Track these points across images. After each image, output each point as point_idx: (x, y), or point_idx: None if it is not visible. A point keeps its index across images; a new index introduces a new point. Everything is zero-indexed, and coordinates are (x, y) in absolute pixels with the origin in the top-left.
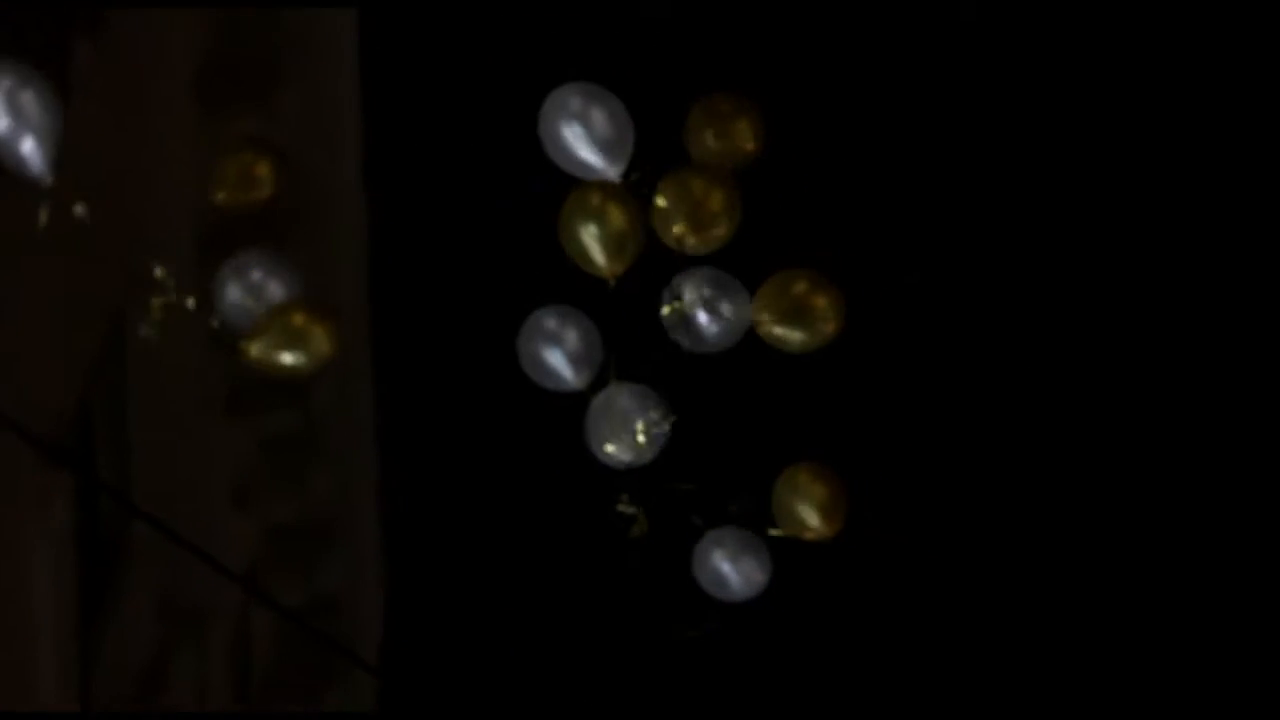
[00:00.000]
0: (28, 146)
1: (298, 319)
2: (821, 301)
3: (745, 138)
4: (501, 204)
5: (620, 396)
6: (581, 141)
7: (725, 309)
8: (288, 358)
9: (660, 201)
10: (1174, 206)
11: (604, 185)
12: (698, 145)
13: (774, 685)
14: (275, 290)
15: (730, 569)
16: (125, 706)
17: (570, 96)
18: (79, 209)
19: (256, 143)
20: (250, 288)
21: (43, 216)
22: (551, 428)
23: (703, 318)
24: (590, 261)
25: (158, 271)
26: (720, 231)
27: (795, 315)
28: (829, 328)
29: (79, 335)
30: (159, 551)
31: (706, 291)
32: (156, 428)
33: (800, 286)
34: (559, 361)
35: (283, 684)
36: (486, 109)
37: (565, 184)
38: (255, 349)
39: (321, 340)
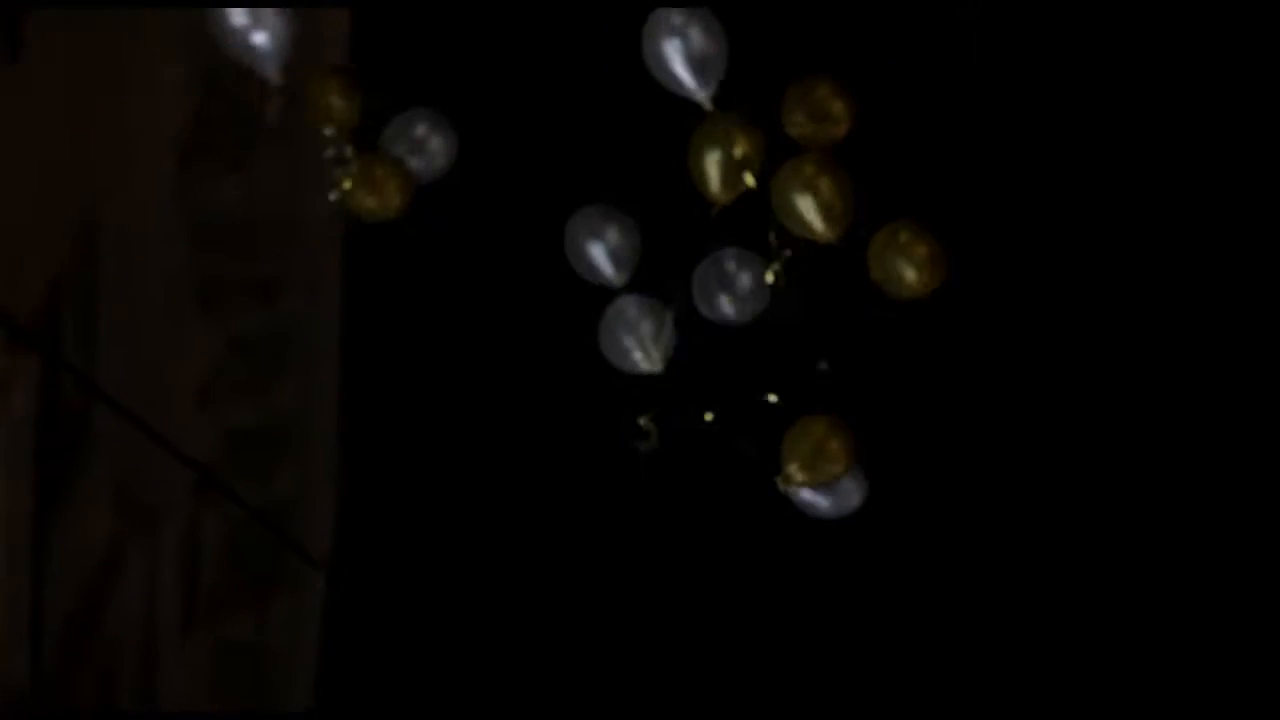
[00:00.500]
0: (260, 39)
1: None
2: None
3: (840, 119)
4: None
5: (630, 305)
6: (678, 58)
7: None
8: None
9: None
10: (1174, 206)
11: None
12: (791, 126)
13: (781, 667)
14: (437, 145)
15: None
16: (75, 595)
17: (671, 14)
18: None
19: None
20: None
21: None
22: (516, 347)
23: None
24: (705, 185)
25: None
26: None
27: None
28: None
29: (52, 224)
30: (119, 444)
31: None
32: (126, 321)
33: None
34: (600, 256)
35: (231, 585)
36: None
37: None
38: None
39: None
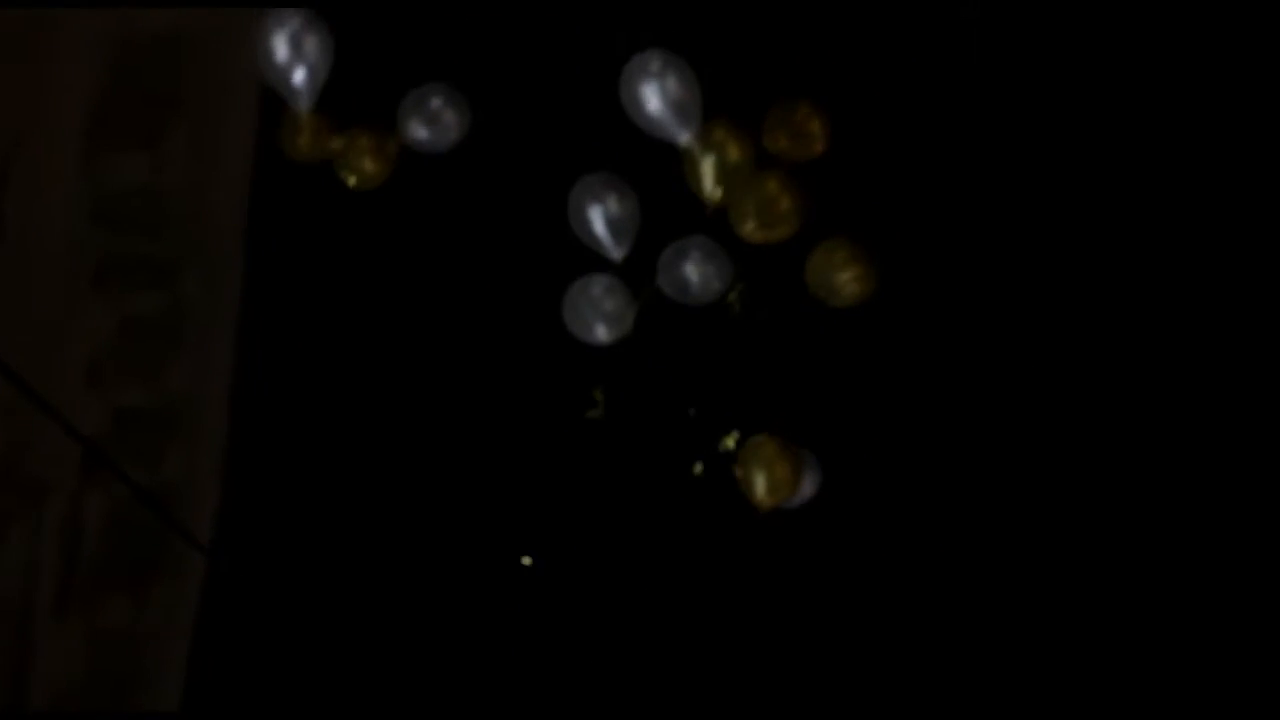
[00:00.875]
0: (299, 78)
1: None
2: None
3: (816, 140)
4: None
5: (593, 283)
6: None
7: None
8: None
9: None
10: (1174, 208)
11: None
12: (772, 144)
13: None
14: (451, 119)
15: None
16: None
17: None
18: None
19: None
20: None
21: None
22: (413, 329)
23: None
24: (699, 187)
25: None
26: (785, 230)
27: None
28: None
29: None
30: (6, 416)
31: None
32: (21, 292)
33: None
34: (600, 228)
35: (111, 567)
36: None
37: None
38: None
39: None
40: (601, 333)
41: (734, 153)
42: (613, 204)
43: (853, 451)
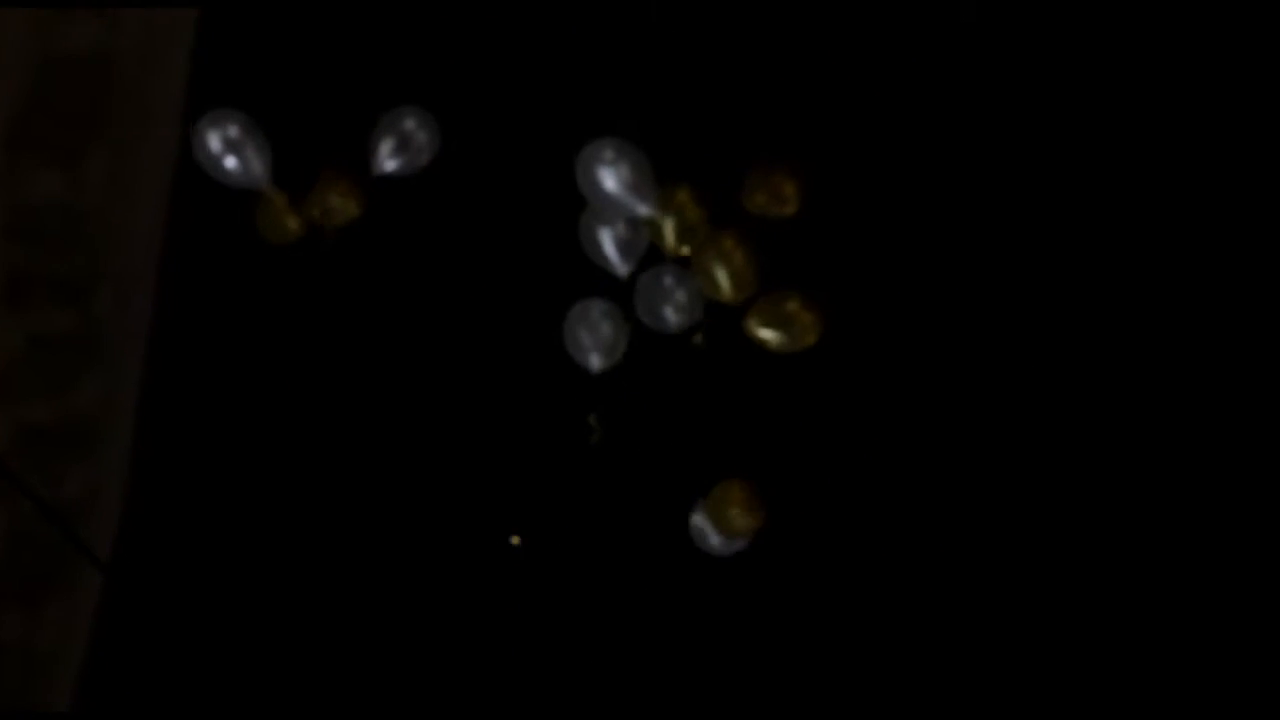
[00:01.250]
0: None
1: None
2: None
3: (791, 200)
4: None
5: (593, 308)
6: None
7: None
8: None
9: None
10: (1175, 217)
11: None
12: (751, 203)
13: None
14: (422, 140)
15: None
16: None
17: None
18: None
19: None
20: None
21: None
22: (317, 368)
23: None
24: (660, 238)
25: None
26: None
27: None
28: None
29: None
30: None
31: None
32: None
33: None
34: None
35: (7, 582)
36: None
37: None
38: None
39: None
40: (595, 360)
41: (692, 215)
42: (622, 225)
43: (815, 489)
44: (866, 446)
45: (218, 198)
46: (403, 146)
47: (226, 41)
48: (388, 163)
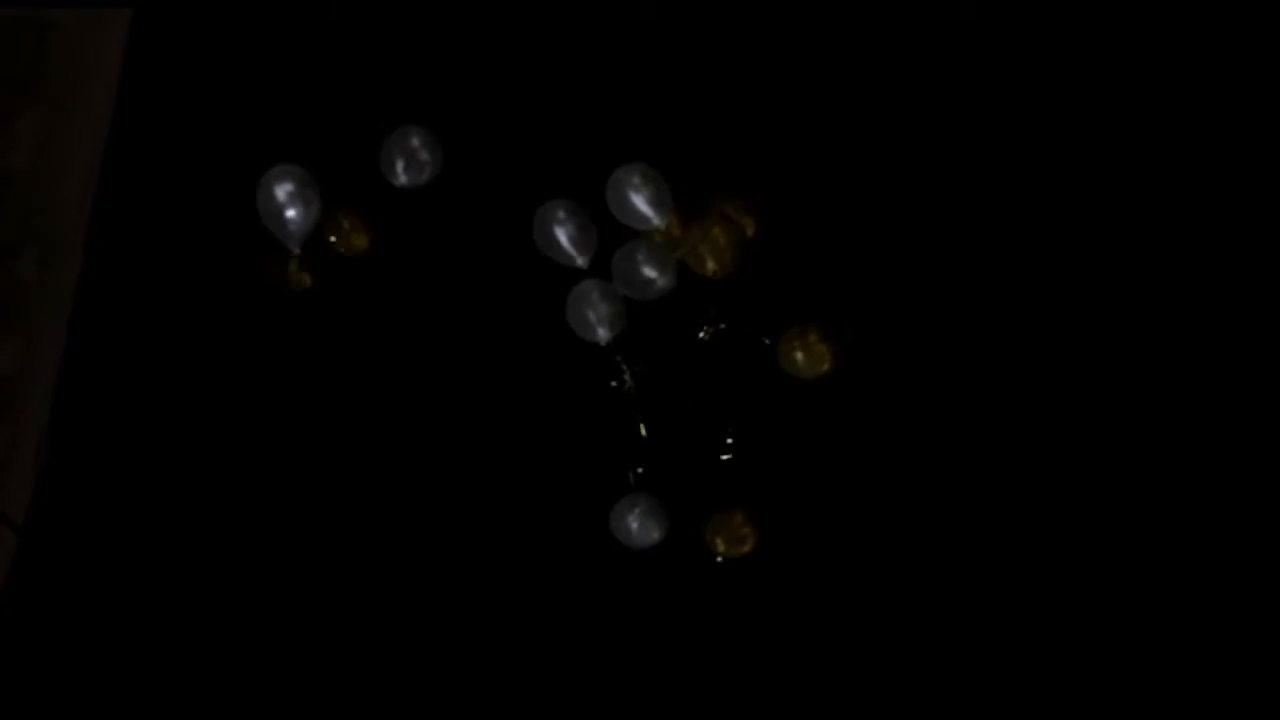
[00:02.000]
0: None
1: None
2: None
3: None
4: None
5: (593, 289)
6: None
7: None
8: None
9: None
10: (1175, 218)
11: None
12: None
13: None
14: (426, 157)
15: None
16: None
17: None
18: None
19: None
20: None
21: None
22: (250, 319)
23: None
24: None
25: None
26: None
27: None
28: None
29: None
30: None
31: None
32: None
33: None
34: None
35: None
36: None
37: None
38: None
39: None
40: (602, 333)
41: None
42: (573, 226)
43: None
44: (872, 462)
45: (149, 167)
46: (411, 164)
47: (167, 11)
48: (400, 178)
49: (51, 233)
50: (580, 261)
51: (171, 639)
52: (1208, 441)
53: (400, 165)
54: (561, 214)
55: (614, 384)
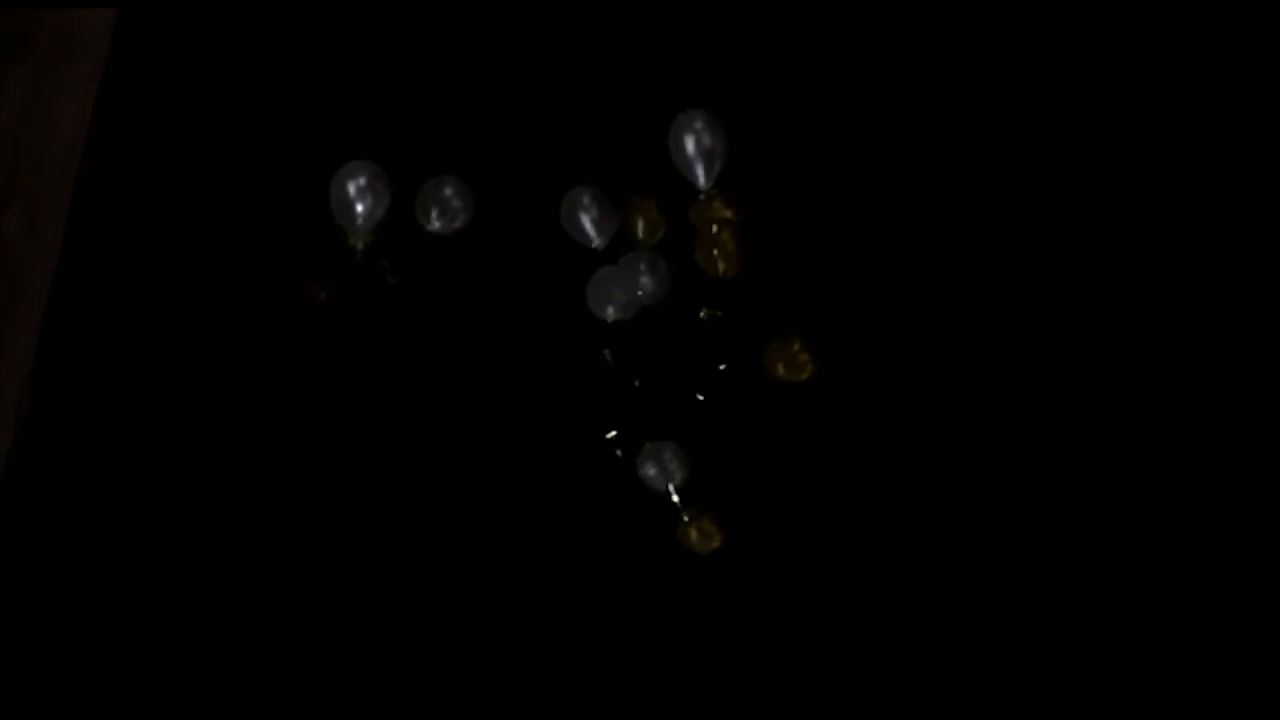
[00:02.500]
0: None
1: None
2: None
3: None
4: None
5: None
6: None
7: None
8: None
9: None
10: (1175, 220)
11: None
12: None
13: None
14: (458, 205)
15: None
16: None
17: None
18: None
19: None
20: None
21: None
22: (239, 285)
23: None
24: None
25: None
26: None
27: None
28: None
29: None
30: None
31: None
32: None
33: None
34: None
35: None
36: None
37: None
38: None
39: None
40: (611, 312)
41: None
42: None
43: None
44: (856, 462)
45: (138, 127)
46: (444, 212)
47: None
48: (434, 224)
49: (39, 192)
50: (597, 242)
51: (152, 594)
52: (1197, 448)
53: (434, 212)
54: (586, 199)
55: (605, 354)
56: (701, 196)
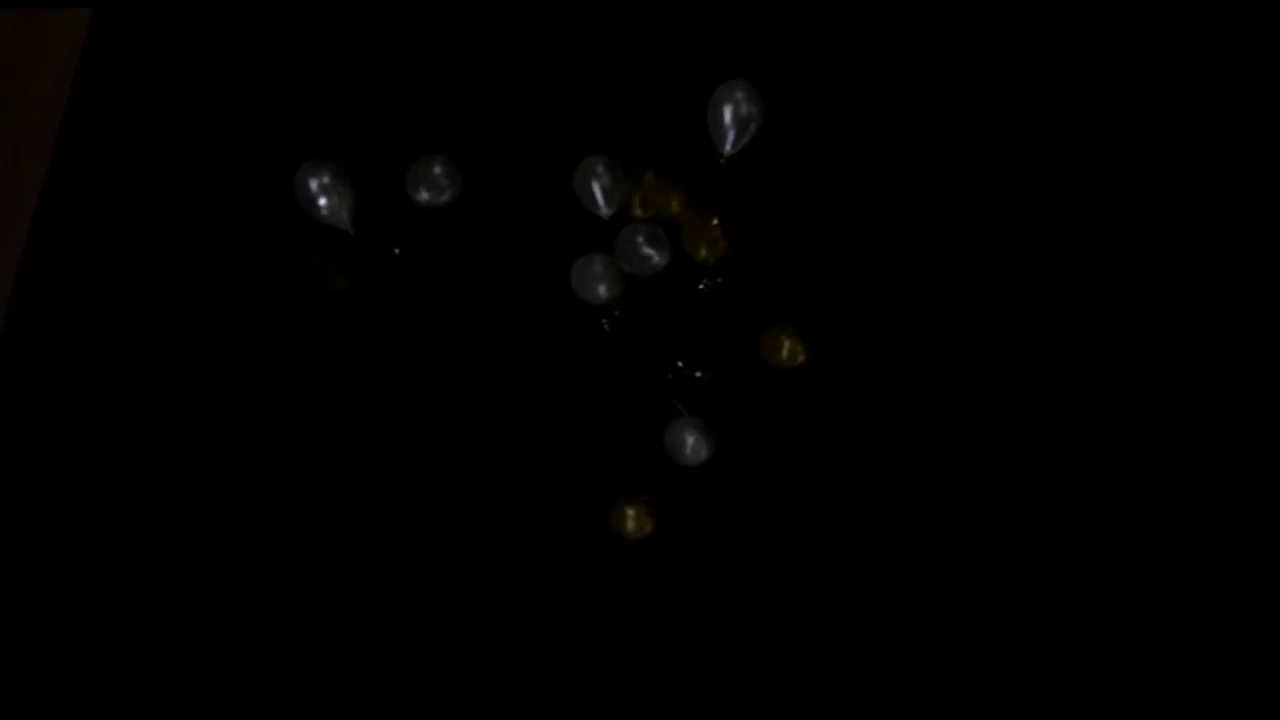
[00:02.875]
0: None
1: None
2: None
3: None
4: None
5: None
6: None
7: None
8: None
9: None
10: (1176, 222)
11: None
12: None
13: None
14: (446, 182)
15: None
16: None
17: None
18: None
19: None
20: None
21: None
22: (221, 237)
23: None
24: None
25: None
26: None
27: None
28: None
29: None
30: None
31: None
32: None
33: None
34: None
35: None
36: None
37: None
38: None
39: None
40: (602, 291)
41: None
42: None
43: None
44: (849, 453)
45: (125, 73)
46: (432, 187)
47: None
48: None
49: (24, 133)
50: (605, 211)
51: (130, 575)
52: (1188, 447)
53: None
54: (600, 168)
55: (604, 323)
56: (722, 161)
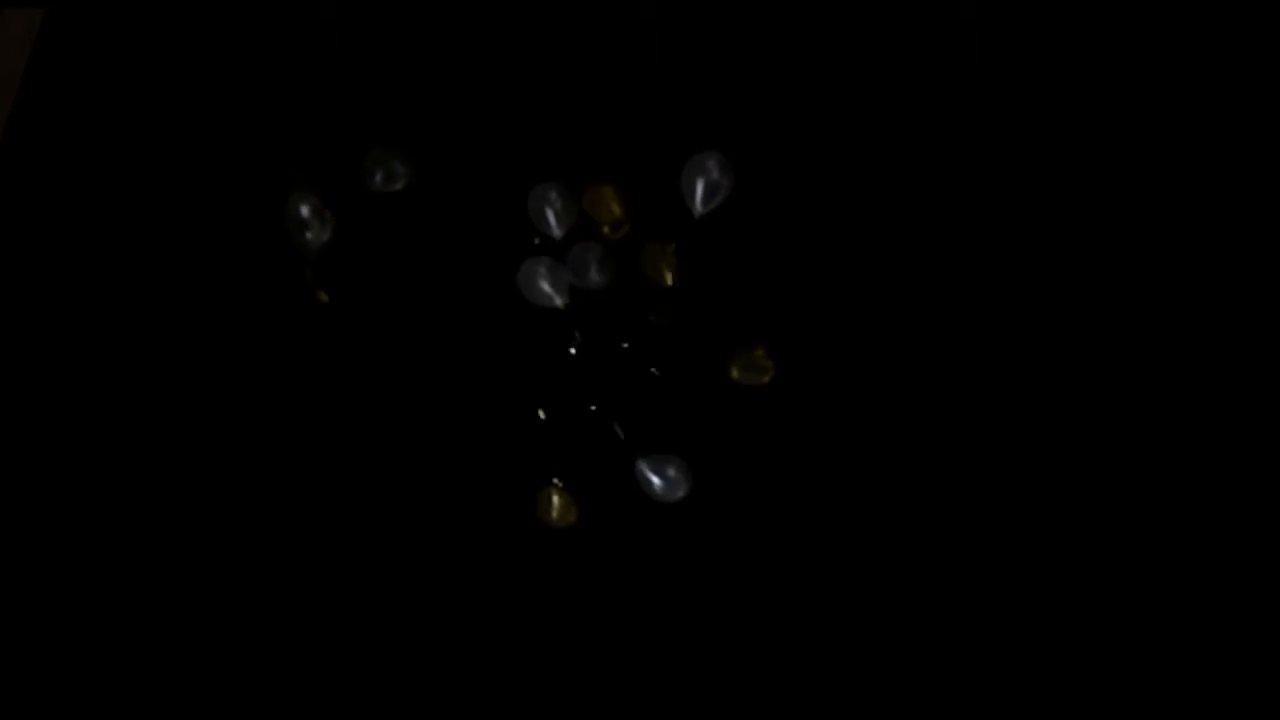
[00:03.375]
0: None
1: None
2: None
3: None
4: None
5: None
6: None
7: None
8: None
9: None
10: (1176, 223)
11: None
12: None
13: None
14: (400, 170)
15: None
16: None
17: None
18: None
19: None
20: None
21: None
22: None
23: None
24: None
25: None
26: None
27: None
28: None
29: None
30: None
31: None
32: None
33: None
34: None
35: None
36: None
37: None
38: None
39: None
40: (558, 300)
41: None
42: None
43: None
44: (827, 465)
45: (77, 77)
46: (389, 177)
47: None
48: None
49: None
50: (557, 232)
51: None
52: (1169, 429)
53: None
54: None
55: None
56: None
